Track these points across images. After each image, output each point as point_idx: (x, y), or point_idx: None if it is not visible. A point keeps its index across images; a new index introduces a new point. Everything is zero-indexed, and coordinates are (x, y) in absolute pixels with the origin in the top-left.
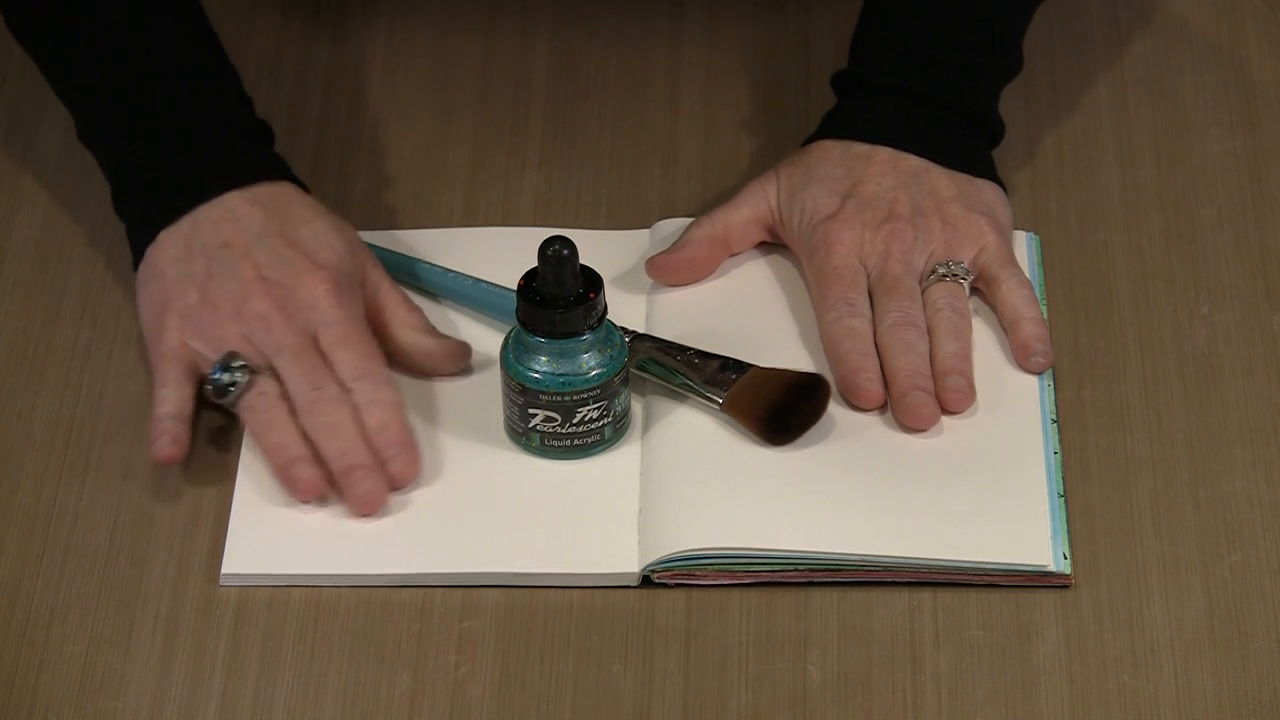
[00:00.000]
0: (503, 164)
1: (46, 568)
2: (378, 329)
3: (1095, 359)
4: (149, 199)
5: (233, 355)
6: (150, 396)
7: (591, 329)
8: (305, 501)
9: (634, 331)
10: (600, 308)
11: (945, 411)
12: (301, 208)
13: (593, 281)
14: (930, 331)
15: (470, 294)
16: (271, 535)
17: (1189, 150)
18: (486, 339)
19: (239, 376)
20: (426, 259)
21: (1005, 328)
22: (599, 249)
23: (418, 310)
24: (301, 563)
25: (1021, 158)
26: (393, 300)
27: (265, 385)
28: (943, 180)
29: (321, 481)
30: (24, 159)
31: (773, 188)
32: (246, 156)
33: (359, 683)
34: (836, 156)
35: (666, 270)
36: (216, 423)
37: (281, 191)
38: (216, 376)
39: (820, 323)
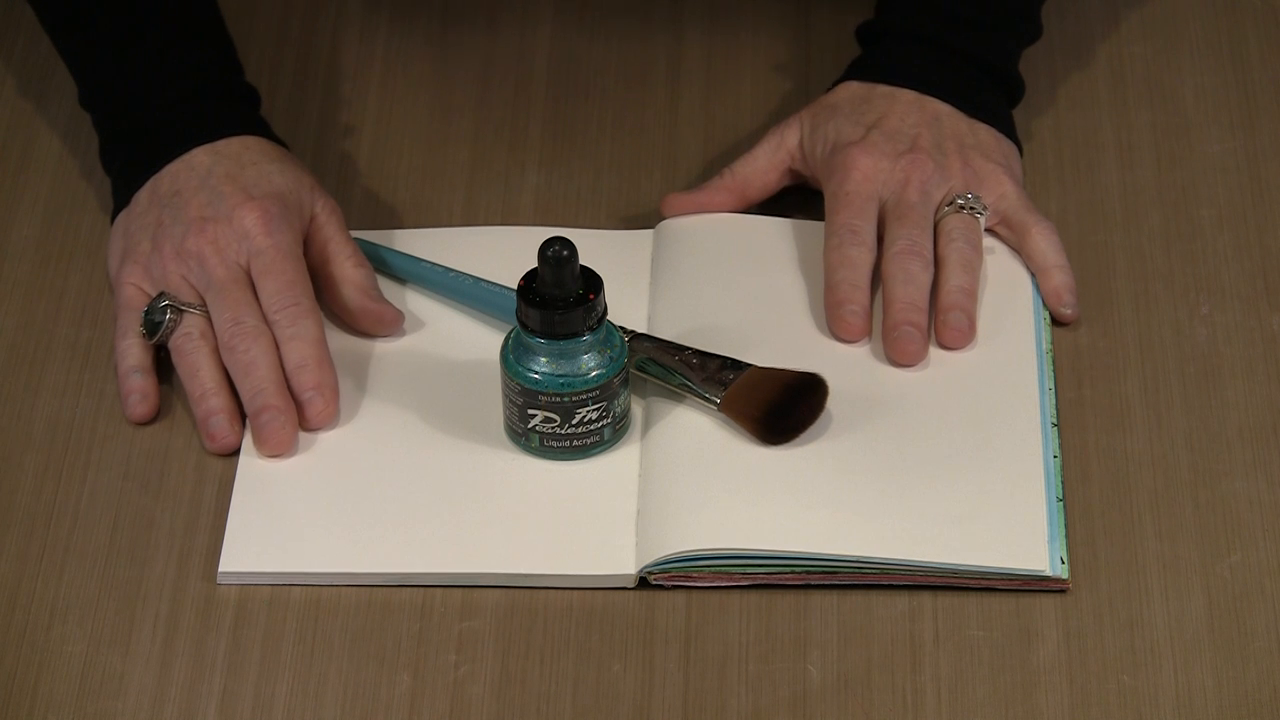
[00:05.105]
0: (503, 164)
1: (46, 568)
2: (323, 280)
3: (1095, 359)
4: (127, 166)
5: (161, 295)
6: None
7: (591, 330)
8: (218, 453)
9: (634, 331)
10: (600, 308)
11: (942, 346)
12: (255, 152)
13: (592, 282)
14: (940, 262)
15: (470, 294)
16: (270, 533)
17: (1189, 150)
18: (486, 339)
19: (164, 316)
20: (427, 259)
21: (1035, 274)
22: (599, 249)
23: (366, 266)
24: (300, 561)
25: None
26: (342, 253)
27: (191, 324)
28: (964, 127)
29: (235, 437)
30: (24, 159)
31: (793, 130)
32: (217, 117)
33: (359, 683)
34: (862, 95)
35: (677, 209)
36: None
37: (244, 141)
38: (145, 315)
39: (824, 248)
